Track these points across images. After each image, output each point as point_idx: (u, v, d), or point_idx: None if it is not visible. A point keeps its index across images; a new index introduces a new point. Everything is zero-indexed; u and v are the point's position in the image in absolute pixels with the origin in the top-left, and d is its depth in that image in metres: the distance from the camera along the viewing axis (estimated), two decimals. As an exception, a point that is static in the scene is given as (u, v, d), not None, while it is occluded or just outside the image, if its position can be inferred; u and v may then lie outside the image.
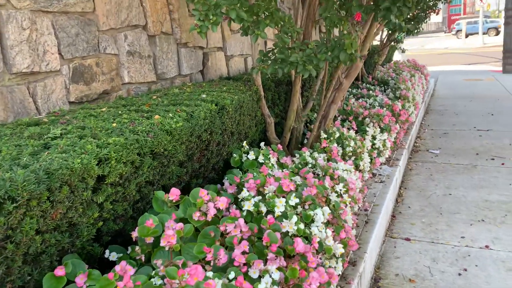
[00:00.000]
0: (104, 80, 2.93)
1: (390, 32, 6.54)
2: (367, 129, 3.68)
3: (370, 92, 5.04)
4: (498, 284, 2.35)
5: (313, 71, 2.41)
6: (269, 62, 2.56)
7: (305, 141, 3.44)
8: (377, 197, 3.10)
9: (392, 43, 6.88)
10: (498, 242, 2.78)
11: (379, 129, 3.78)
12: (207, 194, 1.64)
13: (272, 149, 2.86)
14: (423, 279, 2.44)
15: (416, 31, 6.02)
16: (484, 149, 4.84)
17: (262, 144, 2.74)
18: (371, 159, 3.48)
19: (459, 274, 2.45)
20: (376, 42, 10.10)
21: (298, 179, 2.36)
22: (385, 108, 4.25)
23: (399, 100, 4.97)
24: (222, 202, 1.64)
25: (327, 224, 1.94)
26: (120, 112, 2.03)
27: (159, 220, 1.63)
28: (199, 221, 1.59)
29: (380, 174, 3.59)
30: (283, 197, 1.87)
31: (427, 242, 2.85)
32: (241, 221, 1.55)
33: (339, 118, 4.07)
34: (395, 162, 3.94)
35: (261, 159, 2.57)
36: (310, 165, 2.79)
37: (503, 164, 4.28)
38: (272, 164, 2.60)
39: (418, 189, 3.79)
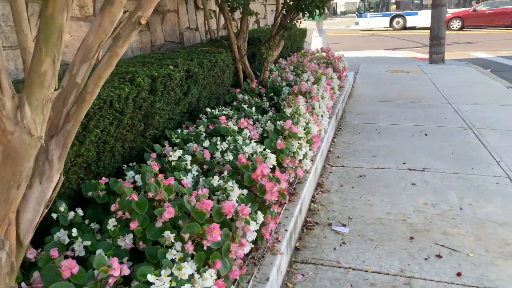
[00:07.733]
0: None
1: (284, 13, 4.31)
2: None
3: (231, 124, 2.77)
4: None
5: None
6: None
7: None
8: None
9: (294, 23, 4.64)
10: None
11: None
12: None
13: None
14: None
15: (318, 13, 3.86)
16: (421, 223, 2.85)
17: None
18: None
19: None
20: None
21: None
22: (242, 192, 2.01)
23: (281, 137, 2.78)
24: None
25: None
26: None
27: None
28: None
29: None
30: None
31: None
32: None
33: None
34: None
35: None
36: None
37: (459, 274, 2.28)
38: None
39: None
